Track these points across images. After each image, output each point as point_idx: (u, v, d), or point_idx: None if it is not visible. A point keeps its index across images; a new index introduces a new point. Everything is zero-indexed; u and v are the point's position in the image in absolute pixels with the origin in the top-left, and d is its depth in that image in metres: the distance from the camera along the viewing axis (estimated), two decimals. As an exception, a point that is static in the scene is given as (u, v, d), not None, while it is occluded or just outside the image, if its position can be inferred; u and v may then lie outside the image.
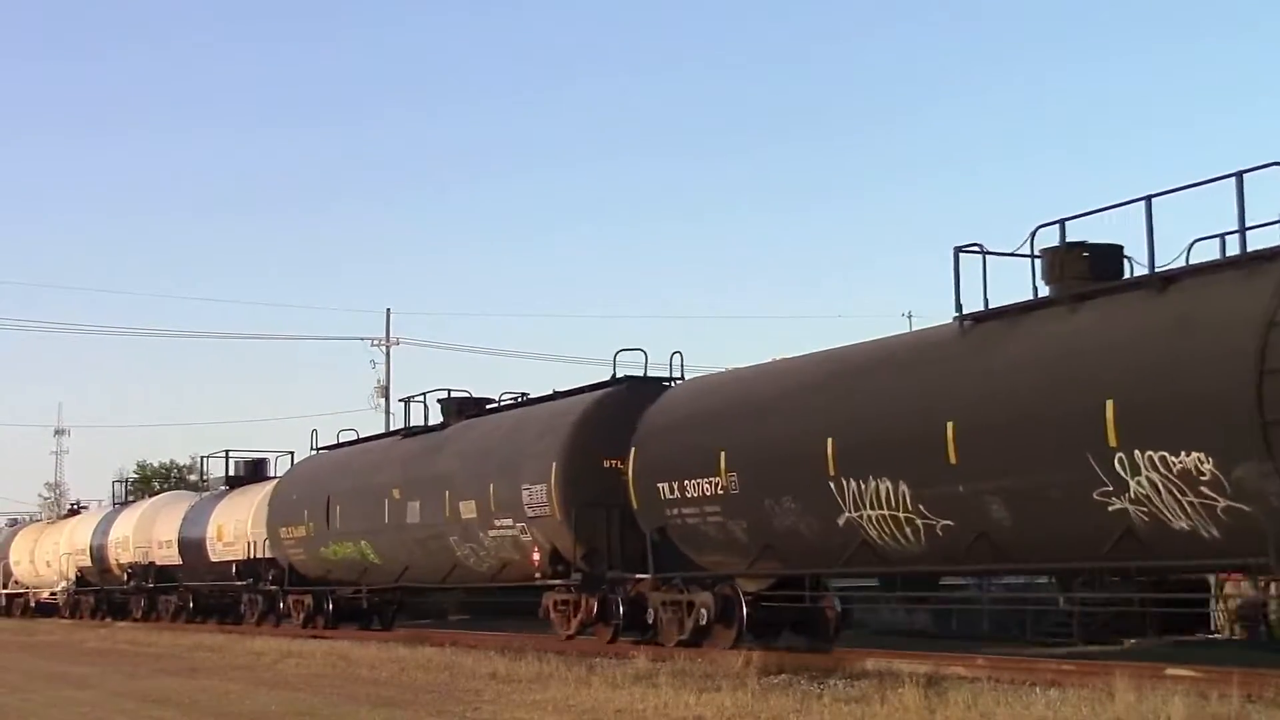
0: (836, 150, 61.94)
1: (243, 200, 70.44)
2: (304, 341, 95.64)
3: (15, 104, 69.99)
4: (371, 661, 12.04)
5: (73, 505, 34.13)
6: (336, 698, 9.19)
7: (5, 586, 34.34)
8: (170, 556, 24.23)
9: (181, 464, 42.16)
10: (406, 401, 17.13)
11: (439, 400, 16.39)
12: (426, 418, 16.53)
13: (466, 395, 16.15)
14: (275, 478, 22.40)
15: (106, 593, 27.63)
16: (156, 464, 43.26)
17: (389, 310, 34.56)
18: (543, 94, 65.00)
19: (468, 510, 14.41)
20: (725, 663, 9.99)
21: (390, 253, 67.55)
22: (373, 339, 33.76)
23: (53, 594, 31.29)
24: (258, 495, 21.14)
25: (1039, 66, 56.23)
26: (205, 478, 24.38)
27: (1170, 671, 8.19)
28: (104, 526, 27.82)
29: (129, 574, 25.52)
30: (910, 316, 17.97)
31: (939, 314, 10.07)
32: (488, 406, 15.78)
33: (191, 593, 23.65)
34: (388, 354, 33.78)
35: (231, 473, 23.41)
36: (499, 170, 66.01)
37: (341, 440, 19.10)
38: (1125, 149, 55.37)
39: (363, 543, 16.98)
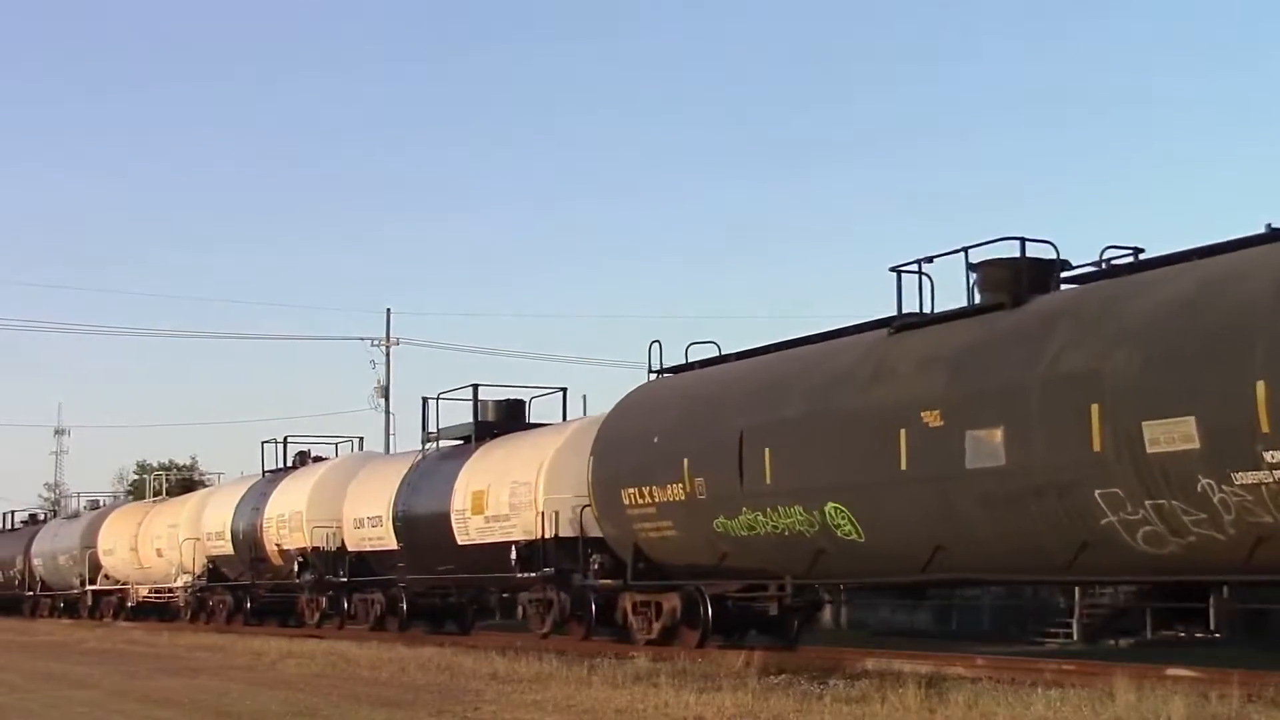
0: (838, 150, 64.63)
1: (242, 200, 74.74)
2: (304, 341, 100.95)
3: (16, 102, 73.96)
4: (372, 661, 12.93)
5: (185, 478, 31.32)
6: (337, 698, 9.87)
7: (92, 582, 30.94)
8: (376, 539, 19.72)
9: (181, 463, 45.27)
10: (907, 270, 10.99)
11: (975, 266, 10.66)
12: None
13: (1031, 256, 10.42)
14: (538, 424, 18.32)
15: (257, 589, 23.84)
16: (156, 464, 45.99)
17: (389, 310, 36.17)
18: (543, 94, 68.97)
19: (1169, 437, 8.47)
20: (725, 663, 10.88)
21: (390, 253, 71.70)
22: (373, 339, 35.92)
23: (160, 591, 27.98)
24: (551, 443, 16.39)
25: (1041, 68, 57.97)
26: (434, 434, 19.17)
27: (1170, 671, 9.15)
28: (255, 501, 23.87)
29: (300, 563, 21.47)
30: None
31: None
32: (1107, 264, 10.10)
33: (406, 589, 19.19)
34: (388, 354, 35.87)
35: (481, 417, 18.59)
36: (499, 170, 70.09)
37: (692, 359, 13.98)
38: (1123, 143, 56.90)
39: (830, 507, 11.31)
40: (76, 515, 35.11)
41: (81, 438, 73.62)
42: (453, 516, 17.47)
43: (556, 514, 15.55)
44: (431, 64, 68.30)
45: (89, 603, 30.84)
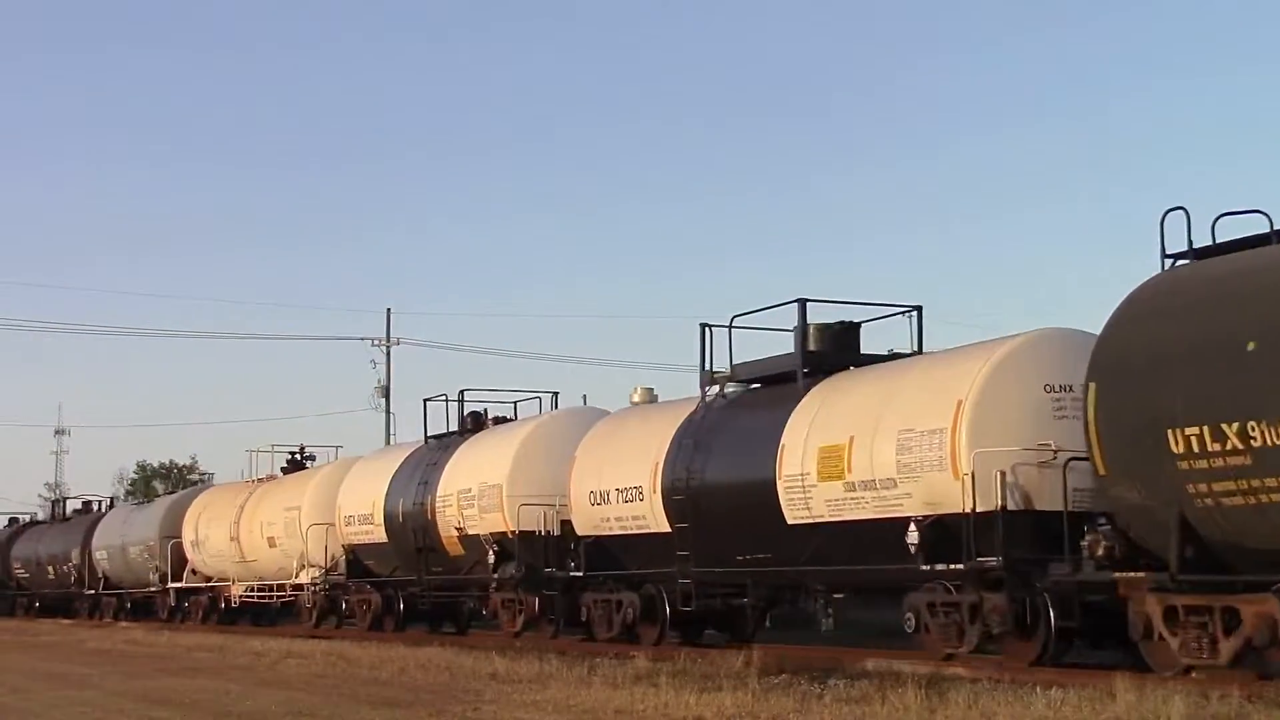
0: (836, 149, 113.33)
1: (243, 200, 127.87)
2: (304, 341, 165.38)
3: (15, 101, 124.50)
4: (372, 661, 23.36)
5: (295, 455, 44.54)
6: (337, 698, 18.24)
7: (176, 579, 45.06)
8: (631, 519, 25.94)
9: (182, 464, 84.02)
10: None
11: None
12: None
13: None
14: (883, 355, 23.90)
15: (423, 586, 32.31)
16: (156, 464, 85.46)
17: (389, 310, 66.87)
18: (543, 94, 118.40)
19: None
20: (725, 663, 19.66)
21: (390, 253, 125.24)
22: (373, 339, 66.68)
23: (266, 590, 39.44)
24: (969, 372, 20.59)
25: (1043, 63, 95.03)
26: (720, 373, 25.54)
27: (1170, 672, 17.43)
28: (420, 473, 32.64)
29: (496, 551, 29.22)
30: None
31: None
32: None
33: (677, 588, 24.91)
34: (388, 354, 66.21)
35: (810, 346, 23.96)
36: (500, 170, 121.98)
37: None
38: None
39: None
40: (149, 500, 51.67)
41: (81, 438, 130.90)
42: (781, 485, 22.41)
43: (999, 475, 19.49)
44: (431, 64, 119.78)
45: (171, 602, 45.28)
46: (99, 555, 49.91)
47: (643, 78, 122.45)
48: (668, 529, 24.79)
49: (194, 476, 59.06)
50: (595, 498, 26.65)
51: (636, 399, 28.08)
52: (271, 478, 43.25)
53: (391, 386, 65.21)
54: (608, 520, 26.44)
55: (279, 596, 38.65)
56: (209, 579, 42.57)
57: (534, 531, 28.13)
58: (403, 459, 34.15)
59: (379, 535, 33.34)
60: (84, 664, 27.16)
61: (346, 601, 35.42)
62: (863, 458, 21.31)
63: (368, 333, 66.96)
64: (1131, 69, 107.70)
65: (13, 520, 67.75)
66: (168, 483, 69.38)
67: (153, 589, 46.23)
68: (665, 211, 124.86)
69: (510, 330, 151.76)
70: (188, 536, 43.24)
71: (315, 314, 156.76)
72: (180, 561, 43.68)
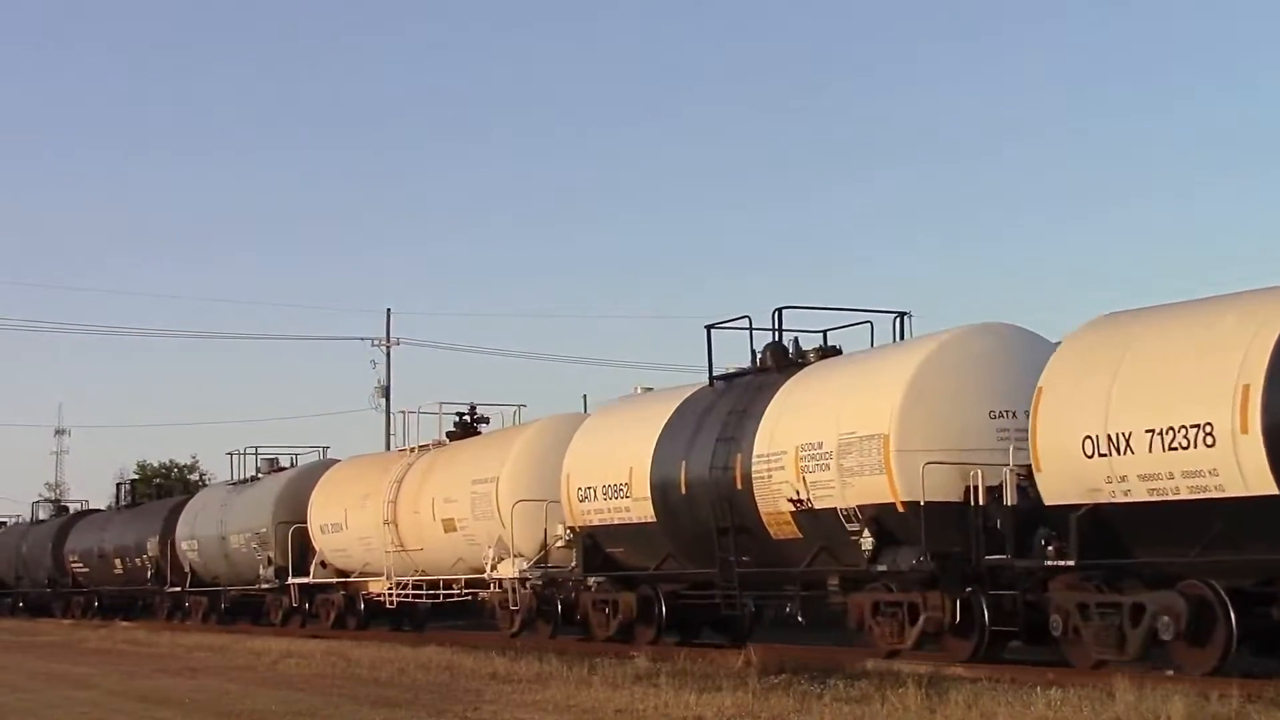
0: (836, 147, 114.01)
1: (242, 200, 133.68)
2: (304, 341, 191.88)
3: (15, 101, 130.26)
4: (372, 661, 33.17)
5: (464, 415, 47.51)
6: (337, 697, 25.59)
7: (299, 573, 49.16)
8: (1174, 474, 24.92)
9: (182, 463, 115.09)
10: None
11: None
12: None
13: None
14: None
15: (725, 582, 33.48)
16: (156, 464, 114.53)
17: (389, 310, 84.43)
18: (542, 93, 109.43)
19: None
20: (725, 663, 28.32)
21: (390, 253, 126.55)
22: (373, 339, 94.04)
23: (424, 584, 42.65)
24: None
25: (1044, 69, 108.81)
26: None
27: (1170, 671, 25.38)
28: (714, 423, 33.45)
29: (877, 532, 29.50)
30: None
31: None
32: None
33: None
34: (388, 354, 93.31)
35: None
36: (499, 170, 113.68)
37: None
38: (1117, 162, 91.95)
39: None
40: (248, 480, 54.58)
41: (81, 438, 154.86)
42: None
43: None
44: (431, 63, 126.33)
45: (291, 602, 48.33)
46: (185, 546, 55.02)
47: (643, 76, 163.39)
48: (1275, 490, 23.48)
49: (193, 477, 73.61)
50: (1096, 446, 26.19)
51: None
52: (438, 444, 46.64)
53: (391, 386, 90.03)
54: (1123, 480, 25.90)
55: (447, 595, 42.19)
56: (343, 573, 45.08)
57: (957, 503, 28.92)
58: (674, 407, 35.84)
59: (642, 513, 35.91)
60: (84, 664, 38.00)
61: (576, 602, 38.23)
62: None
63: (368, 333, 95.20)
64: None
65: (61, 509, 76.56)
66: (168, 482, 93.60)
67: (265, 586, 51.25)
68: (663, 211, 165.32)
69: (510, 331, 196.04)
70: (316, 520, 46.05)
71: (315, 314, 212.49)
72: (300, 553, 46.67)
